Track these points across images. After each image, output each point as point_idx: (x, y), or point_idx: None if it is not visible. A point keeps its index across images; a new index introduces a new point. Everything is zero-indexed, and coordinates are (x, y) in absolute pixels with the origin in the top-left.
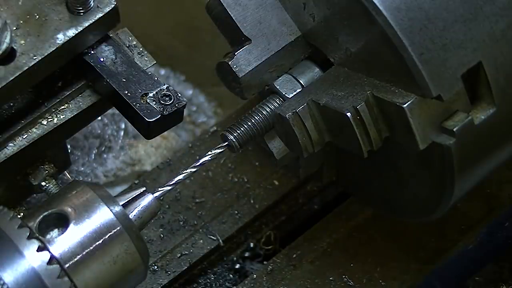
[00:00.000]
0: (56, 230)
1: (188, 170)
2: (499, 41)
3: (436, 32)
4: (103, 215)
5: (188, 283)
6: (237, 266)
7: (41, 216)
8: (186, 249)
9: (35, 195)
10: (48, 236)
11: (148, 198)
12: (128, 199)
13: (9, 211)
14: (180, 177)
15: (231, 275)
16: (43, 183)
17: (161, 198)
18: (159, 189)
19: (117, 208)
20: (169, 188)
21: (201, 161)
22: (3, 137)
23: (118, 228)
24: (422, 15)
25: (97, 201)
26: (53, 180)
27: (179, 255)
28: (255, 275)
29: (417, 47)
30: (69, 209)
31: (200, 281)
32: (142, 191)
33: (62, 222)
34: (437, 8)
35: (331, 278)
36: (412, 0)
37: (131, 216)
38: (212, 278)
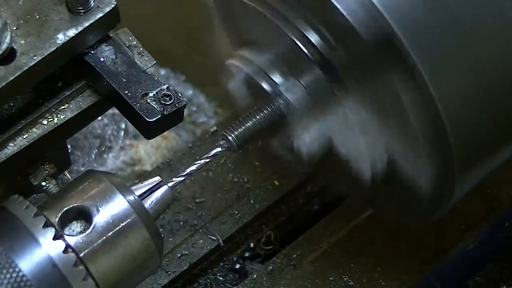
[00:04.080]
0: (73, 220)
1: (202, 161)
2: None
3: None
4: (119, 204)
5: (188, 283)
6: (237, 266)
7: (63, 211)
8: (186, 249)
9: (35, 195)
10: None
11: (163, 189)
12: (143, 189)
13: (25, 200)
14: (193, 167)
15: (231, 275)
16: (43, 183)
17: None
18: (173, 179)
19: (133, 198)
20: (182, 178)
21: (213, 151)
22: (3, 137)
23: (134, 217)
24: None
25: (113, 191)
26: (53, 180)
27: (179, 255)
28: (255, 275)
29: None
30: (87, 201)
31: (200, 281)
32: (158, 181)
33: (80, 214)
34: None
35: (331, 278)
36: None
37: (146, 206)
38: (212, 278)
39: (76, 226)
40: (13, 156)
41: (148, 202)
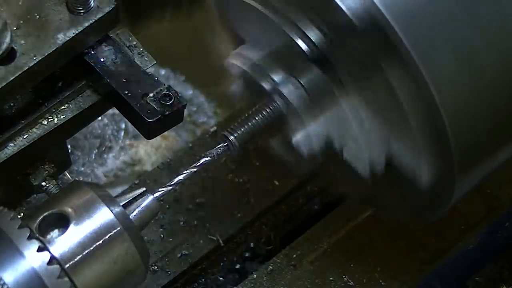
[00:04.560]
0: (56, 231)
1: (189, 170)
2: None
3: None
4: (103, 215)
5: (188, 283)
6: (237, 266)
7: (41, 217)
8: (186, 249)
9: (35, 195)
10: (48, 237)
11: (149, 199)
12: (128, 200)
13: (9, 211)
14: (180, 177)
15: (231, 275)
16: (43, 183)
17: (161, 198)
18: (160, 189)
19: (117, 209)
20: (169, 188)
21: (201, 161)
22: (3, 137)
23: (118, 228)
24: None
25: (97, 201)
26: (53, 180)
27: (179, 255)
28: (255, 275)
29: None
30: (69, 210)
31: (200, 281)
32: (142, 191)
33: (62, 223)
34: None
35: (331, 278)
36: None
37: (131, 216)
38: (212, 278)
39: (57, 234)
40: (13, 156)
41: (133, 213)
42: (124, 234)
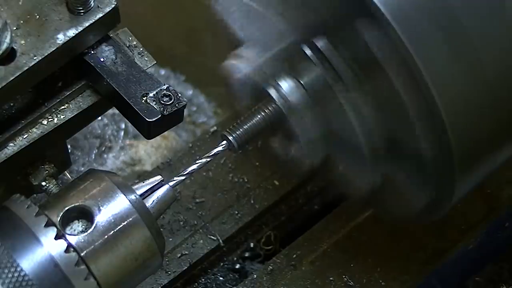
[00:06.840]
0: (76, 221)
1: (203, 160)
2: None
3: None
4: (120, 203)
5: (188, 283)
6: (237, 266)
7: (64, 210)
8: (186, 249)
9: (35, 195)
10: (67, 226)
11: (164, 188)
12: (145, 189)
13: (26, 199)
14: (194, 166)
15: (231, 275)
16: (43, 183)
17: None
18: (174, 178)
19: (134, 197)
20: (183, 178)
21: (214, 151)
22: (3, 137)
23: (135, 216)
24: None
25: (114, 190)
26: (53, 180)
27: (179, 255)
28: (255, 275)
29: None
30: (89, 200)
31: (200, 281)
32: (159, 180)
33: (82, 214)
34: None
35: (331, 278)
36: None
37: (147, 205)
38: (212, 278)
39: (77, 226)
40: (13, 156)
41: (149, 201)
42: (141, 223)
